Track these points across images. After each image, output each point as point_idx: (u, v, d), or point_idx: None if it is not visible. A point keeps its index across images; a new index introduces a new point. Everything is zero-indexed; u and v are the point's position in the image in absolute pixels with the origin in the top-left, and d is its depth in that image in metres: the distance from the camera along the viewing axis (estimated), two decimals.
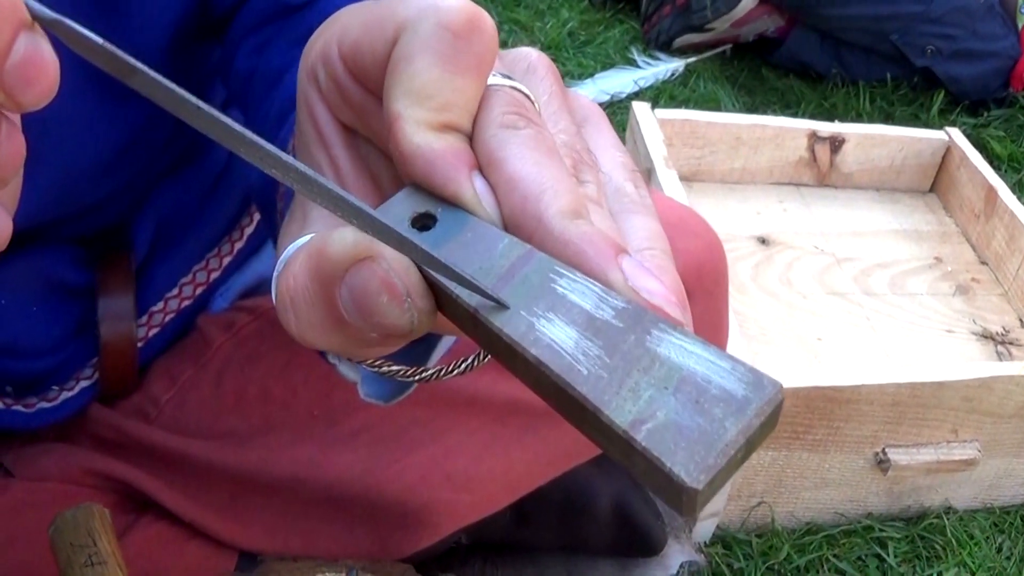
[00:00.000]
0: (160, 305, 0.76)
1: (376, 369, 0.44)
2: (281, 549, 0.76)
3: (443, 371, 0.44)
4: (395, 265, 0.32)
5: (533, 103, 0.36)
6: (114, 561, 0.62)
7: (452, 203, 0.34)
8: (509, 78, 0.36)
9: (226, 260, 0.80)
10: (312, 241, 0.34)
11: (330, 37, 0.38)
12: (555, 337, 0.30)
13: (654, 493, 0.28)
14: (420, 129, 0.33)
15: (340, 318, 0.33)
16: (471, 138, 0.35)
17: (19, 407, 0.71)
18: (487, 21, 0.35)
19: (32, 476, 0.73)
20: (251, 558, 0.77)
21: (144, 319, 0.75)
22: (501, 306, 0.31)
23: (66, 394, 0.73)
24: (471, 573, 1.09)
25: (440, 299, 0.33)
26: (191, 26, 0.66)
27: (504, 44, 2.18)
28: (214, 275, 0.79)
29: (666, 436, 0.27)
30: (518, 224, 0.33)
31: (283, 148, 0.44)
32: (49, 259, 0.69)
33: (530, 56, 0.39)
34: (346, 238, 0.32)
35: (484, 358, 0.42)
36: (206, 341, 0.78)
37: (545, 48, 2.21)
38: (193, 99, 0.28)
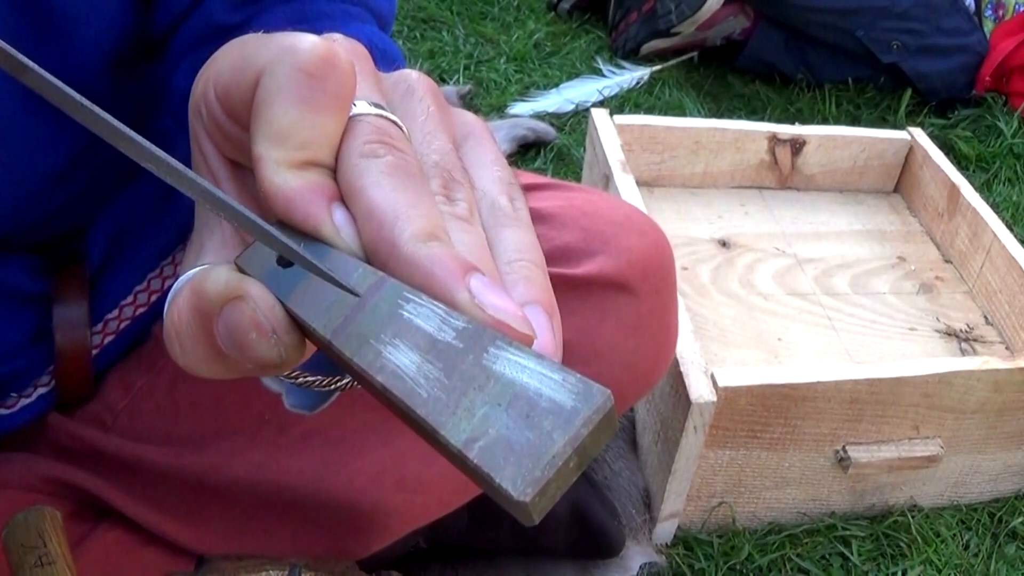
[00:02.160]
0: (115, 312, 0.76)
1: (293, 380, 0.46)
2: (237, 553, 0.77)
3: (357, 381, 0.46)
4: (261, 304, 0.34)
5: (401, 128, 0.38)
6: (63, 562, 0.64)
7: (314, 237, 0.35)
8: (378, 106, 0.38)
9: (180, 270, 0.80)
10: (194, 277, 0.36)
11: (208, 77, 0.40)
12: (399, 363, 0.31)
13: (497, 502, 0.29)
14: (280, 169, 0.35)
15: (220, 350, 0.35)
16: (336, 171, 0.36)
17: None
18: (341, 57, 0.36)
19: None
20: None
21: (99, 326, 0.75)
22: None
23: (24, 401, 0.73)
24: None
25: (304, 331, 0.35)
26: (129, 46, 0.67)
27: (470, 57, 2.19)
28: (168, 283, 0.79)
29: (496, 452, 0.29)
30: (375, 251, 0.34)
31: None
32: (4, 268, 0.69)
33: (409, 78, 0.41)
34: (219, 278, 0.34)
35: None
36: (160, 349, 0.79)
37: (511, 60, 2.22)
38: (77, 96, 0.30)
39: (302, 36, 0.36)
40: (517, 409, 0.29)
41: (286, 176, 0.35)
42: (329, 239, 0.35)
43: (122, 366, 0.79)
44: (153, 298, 0.78)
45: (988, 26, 2.34)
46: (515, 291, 0.34)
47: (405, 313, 0.32)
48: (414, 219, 0.33)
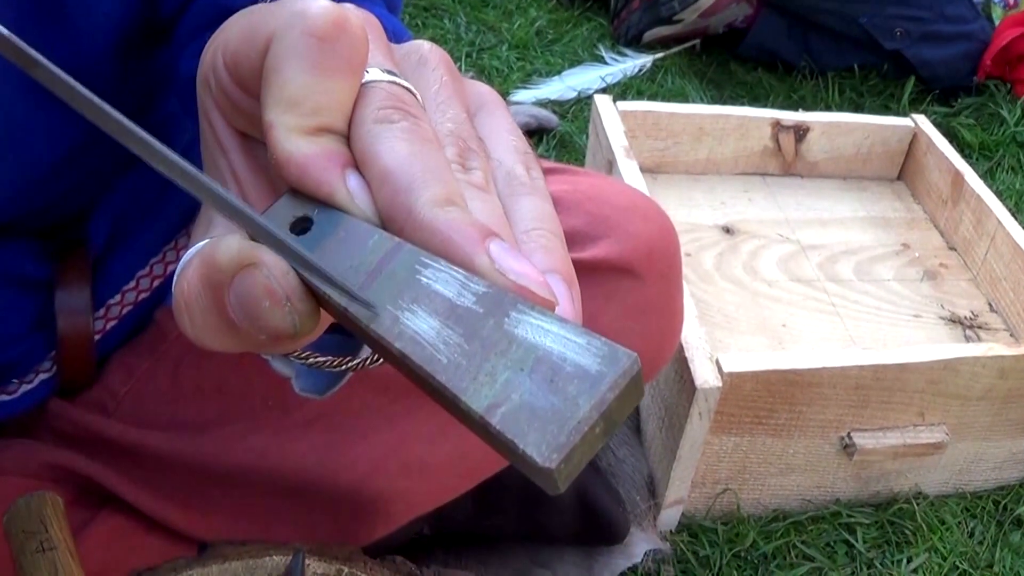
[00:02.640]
0: (117, 298, 0.76)
1: (303, 361, 0.46)
2: (240, 538, 0.77)
3: (370, 360, 0.45)
4: (275, 271, 0.33)
5: (415, 95, 0.37)
6: (65, 547, 0.64)
7: (328, 204, 0.34)
8: (391, 73, 0.37)
9: (183, 254, 0.80)
10: (204, 248, 0.35)
11: (216, 47, 0.39)
12: (418, 329, 0.31)
13: (522, 471, 0.29)
14: (291, 135, 0.34)
15: (231, 322, 0.34)
16: (349, 137, 0.36)
17: None
18: (352, 22, 0.36)
19: None
20: None
21: (102, 312, 0.75)
22: (368, 307, 0.32)
23: (25, 387, 0.73)
24: (434, 563, 1.08)
25: (319, 299, 0.34)
26: (137, 31, 0.67)
27: (471, 44, 2.18)
28: (171, 268, 0.79)
29: (520, 418, 0.28)
30: (391, 217, 0.33)
31: None
32: (7, 253, 0.69)
33: (422, 48, 0.40)
34: (231, 246, 0.33)
35: None
36: (162, 334, 0.79)
37: (513, 47, 2.21)
38: (88, 93, 0.29)
39: (312, 1, 0.36)
40: (541, 374, 0.28)
41: (298, 142, 0.34)
42: (343, 205, 0.34)
43: (124, 351, 0.79)
44: (156, 283, 0.78)
45: (997, 14, 2.34)
46: (533, 260, 0.33)
47: (423, 279, 0.31)
48: (431, 184, 0.33)
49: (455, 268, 0.31)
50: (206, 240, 0.37)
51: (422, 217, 0.32)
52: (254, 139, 0.40)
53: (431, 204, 0.32)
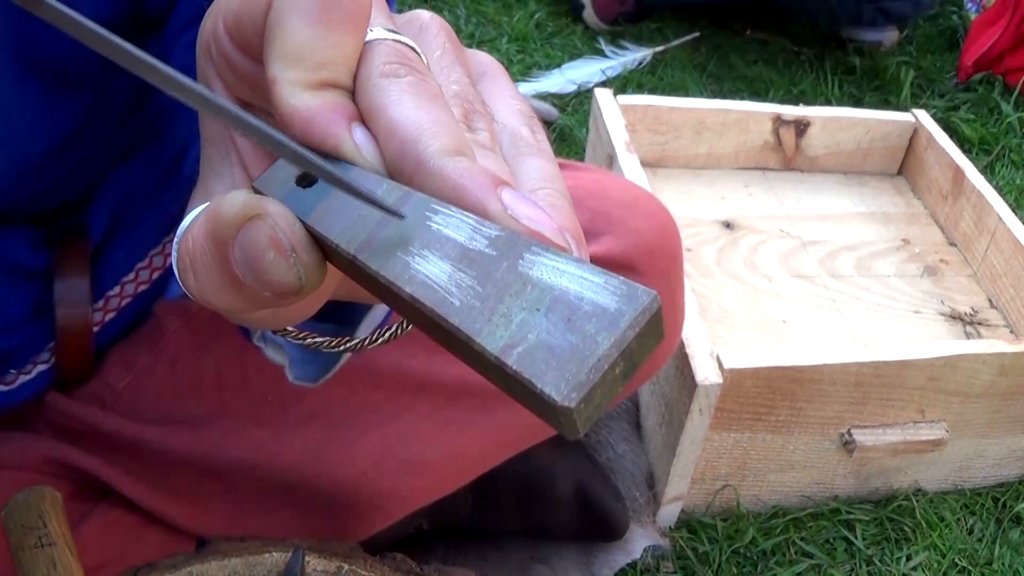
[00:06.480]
0: (116, 290, 0.76)
1: (300, 341, 0.45)
2: (238, 534, 0.76)
3: (368, 340, 0.45)
4: (280, 222, 0.32)
5: (420, 55, 0.37)
6: (63, 542, 0.63)
7: (333, 158, 0.34)
8: (395, 32, 0.36)
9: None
10: (209, 204, 0.34)
11: (216, 13, 0.39)
12: (429, 273, 0.30)
13: (542, 419, 0.28)
14: (296, 89, 0.34)
15: (236, 278, 0.33)
16: (354, 92, 0.35)
17: None
18: None
19: None
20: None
21: (100, 303, 0.75)
22: (397, 216, 0.31)
23: (23, 378, 0.73)
24: (433, 559, 1.08)
25: (326, 252, 0.33)
26: (125, 23, 0.66)
27: (471, 37, 2.18)
28: (171, 260, 0.79)
29: (537, 357, 0.27)
30: (400, 169, 0.33)
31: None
32: (5, 241, 0.69)
33: (422, 16, 0.40)
34: (237, 199, 0.33)
35: (408, 326, 0.42)
36: (161, 327, 0.79)
37: (512, 40, 2.21)
38: (92, 24, 0.28)
39: None
40: (557, 313, 0.28)
41: (303, 96, 0.34)
42: (350, 158, 0.33)
43: (123, 345, 0.78)
44: (155, 275, 0.78)
45: (970, 18, 2.36)
46: None
47: (433, 224, 0.31)
48: (439, 135, 0.32)
49: (466, 213, 0.31)
50: (205, 204, 0.37)
51: (432, 165, 0.32)
52: (258, 108, 0.40)
53: (441, 153, 0.32)
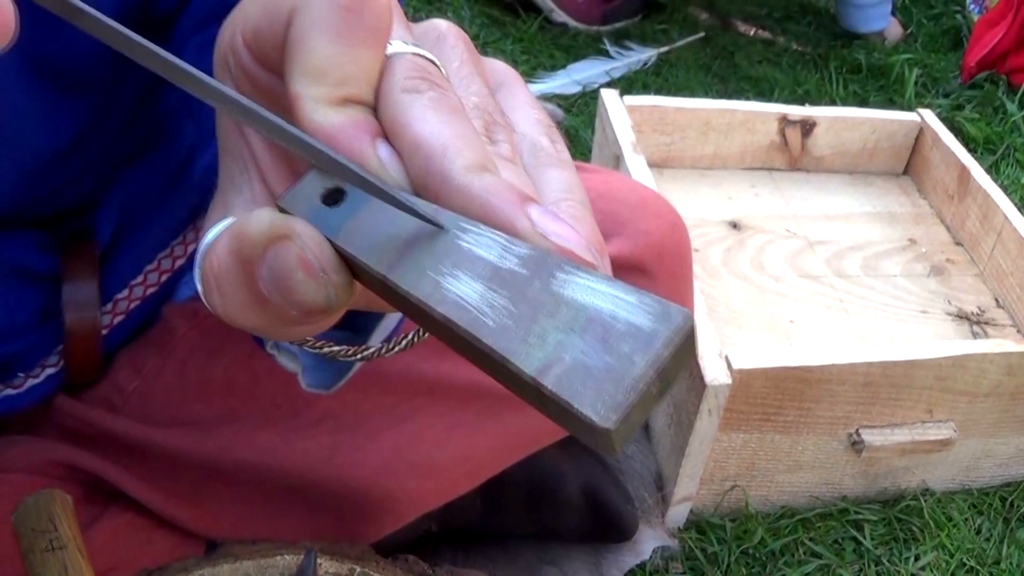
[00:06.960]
0: (125, 293, 0.75)
1: (317, 350, 0.45)
2: (249, 537, 0.76)
3: (384, 349, 0.45)
4: (309, 242, 0.32)
5: (439, 68, 0.36)
6: (74, 545, 0.63)
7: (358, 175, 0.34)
8: (414, 45, 0.36)
9: (191, 248, 0.80)
10: (234, 223, 0.34)
11: (235, 25, 0.39)
12: (461, 293, 0.30)
13: (577, 437, 0.28)
14: (319, 106, 0.34)
15: (262, 297, 0.33)
16: (376, 108, 0.35)
17: None
18: None
19: None
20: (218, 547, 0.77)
21: (109, 307, 0.74)
22: (437, 227, 0.31)
23: (32, 381, 0.72)
24: (443, 561, 1.08)
25: (354, 271, 0.33)
26: (132, 24, 0.66)
27: (476, 38, 2.18)
28: (179, 263, 0.79)
29: (574, 379, 0.27)
30: (425, 185, 0.33)
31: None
32: (12, 244, 0.69)
33: (440, 26, 0.40)
34: (263, 219, 0.33)
35: (424, 334, 0.42)
36: (170, 330, 0.79)
37: (517, 41, 2.20)
38: (131, 34, 0.30)
39: None
40: (592, 333, 0.28)
41: (326, 112, 0.33)
42: (376, 174, 0.33)
43: (131, 348, 0.78)
44: (163, 278, 0.78)
45: (973, 19, 2.36)
46: None
47: (463, 243, 0.31)
48: (464, 151, 0.32)
49: (495, 232, 0.30)
50: (228, 219, 0.37)
51: (459, 182, 0.32)
52: None
53: (466, 170, 0.32)
